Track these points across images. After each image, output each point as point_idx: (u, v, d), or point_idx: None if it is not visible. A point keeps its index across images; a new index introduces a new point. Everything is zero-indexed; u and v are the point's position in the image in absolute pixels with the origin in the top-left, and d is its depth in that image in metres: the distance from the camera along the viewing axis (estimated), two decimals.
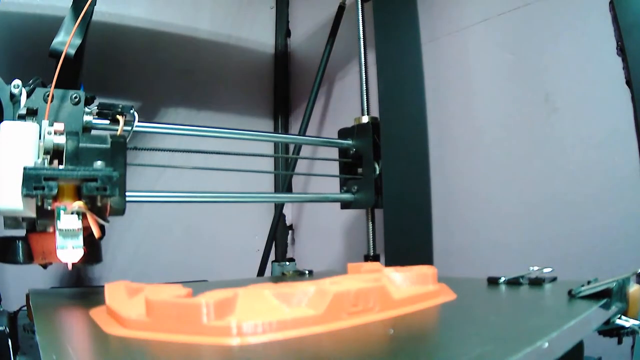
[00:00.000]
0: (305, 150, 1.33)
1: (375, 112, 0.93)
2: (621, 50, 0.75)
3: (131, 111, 0.61)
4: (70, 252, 0.44)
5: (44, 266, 0.55)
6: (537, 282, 0.56)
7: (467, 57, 0.99)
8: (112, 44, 1.21)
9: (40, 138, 0.48)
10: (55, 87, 0.53)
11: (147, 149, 0.75)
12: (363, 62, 0.97)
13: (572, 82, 0.81)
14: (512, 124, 0.90)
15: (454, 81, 1.01)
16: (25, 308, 0.63)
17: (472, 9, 0.98)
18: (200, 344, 0.33)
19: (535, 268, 0.58)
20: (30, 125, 0.47)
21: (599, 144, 0.77)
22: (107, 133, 0.54)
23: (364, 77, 0.97)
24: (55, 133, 0.48)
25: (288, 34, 1.53)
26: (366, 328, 0.37)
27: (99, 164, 0.47)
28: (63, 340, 0.37)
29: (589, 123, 0.79)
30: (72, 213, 0.44)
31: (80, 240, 0.44)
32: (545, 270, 0.57)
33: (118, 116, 0.60)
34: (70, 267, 0.45)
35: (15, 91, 0.52)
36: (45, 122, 0.49)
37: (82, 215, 0.44)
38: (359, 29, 0.99)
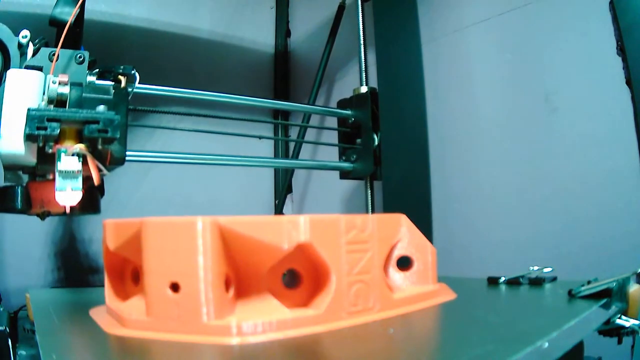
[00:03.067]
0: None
1: None
2: (621, 50, 0.75)
3: (132, 72, 0.61)
4: (69, 194, 0.44)
5: (42, 217, 0.55)
6: (537, 282, 0.56)
7: (467, 57, 0.99)
8: (112, 43, 1.21)
9: (44, 93, 0.48)
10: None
11: (148, 111, 0.76)
12: (363, 62, 0.97)
13: (572, 82, 0.81)
14: (512, 124, 0.90)
15: (454, 81, 1.01)
16: (25, 308, 0.63)
17: (472, 9, 0.98)
18: (200, 343, 0.33)
19: (535, 268, 0.58)
20: (35, 73, 0.48)
21: (599, 144, 0.77)
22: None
23: (364, 78, 0.97)
24: (59, 83, 0.48)
25: (288, 34, 1.53)
26: (366, 328, 0.37)
27: (101, 107, 0.47)
28: (63, 340, 0.37)
29: (589, 123, 0.79)
30: (72, 155, 0.44)
31: (79, 183, 0.44)
32: (545, 270, 0.57)
33: (120, 77, 0.61)
34: (68, 210, 0.44)
35: (23, 41, 0.52)
36: (50, 76, 0.49)
37: (82, 159, 0.44)
38: (359, 29, 0.99)
